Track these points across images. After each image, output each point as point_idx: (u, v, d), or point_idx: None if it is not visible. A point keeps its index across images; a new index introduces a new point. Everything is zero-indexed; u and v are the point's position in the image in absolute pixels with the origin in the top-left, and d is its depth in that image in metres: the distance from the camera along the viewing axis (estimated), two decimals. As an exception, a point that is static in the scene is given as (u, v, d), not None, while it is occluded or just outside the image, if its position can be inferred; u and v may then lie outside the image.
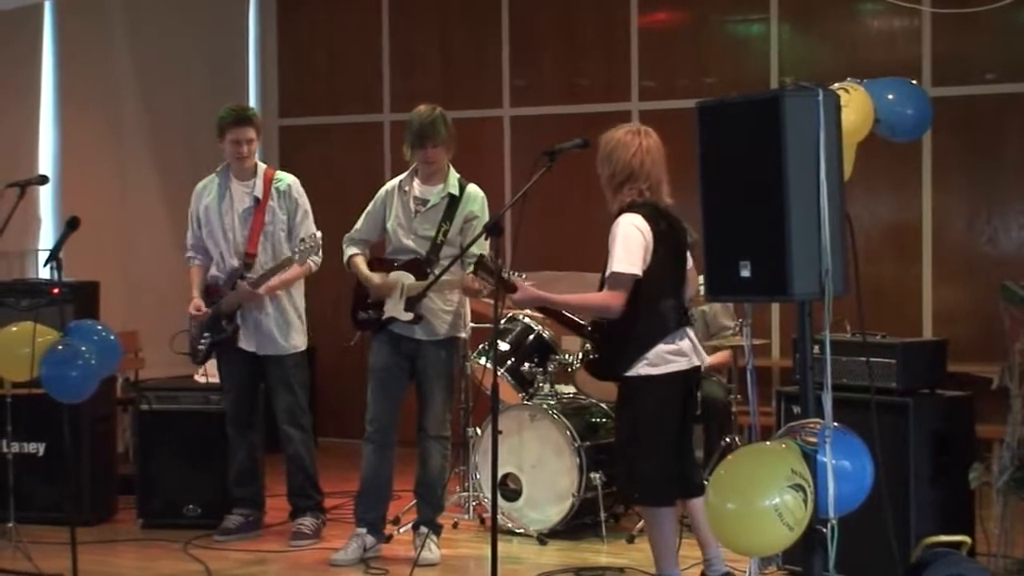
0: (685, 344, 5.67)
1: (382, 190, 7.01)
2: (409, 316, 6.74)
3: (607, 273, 5.58)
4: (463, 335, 7.04)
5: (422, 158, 6.79)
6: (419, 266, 6.79)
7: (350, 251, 6.99)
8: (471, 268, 6.50)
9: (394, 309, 6.80)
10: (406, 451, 7.04)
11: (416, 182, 6.88)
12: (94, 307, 7.80)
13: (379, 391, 6.90)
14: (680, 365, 5.63)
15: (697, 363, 5.74)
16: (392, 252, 6.94)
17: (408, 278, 6.77)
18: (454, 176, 6.87)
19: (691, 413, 5.86)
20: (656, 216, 5.64)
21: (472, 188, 6.89)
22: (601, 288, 5.65)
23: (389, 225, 6.90)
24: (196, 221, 7.46)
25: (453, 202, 6.81)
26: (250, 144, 7.24)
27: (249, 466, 7.46)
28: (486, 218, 6.82)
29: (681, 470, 5.73)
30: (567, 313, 6.14)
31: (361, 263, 6.95)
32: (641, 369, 5.60)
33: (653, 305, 5.60)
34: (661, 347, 5.59)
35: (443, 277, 6.53)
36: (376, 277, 6.85)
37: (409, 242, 6.84)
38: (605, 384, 7.40)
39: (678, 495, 5.82)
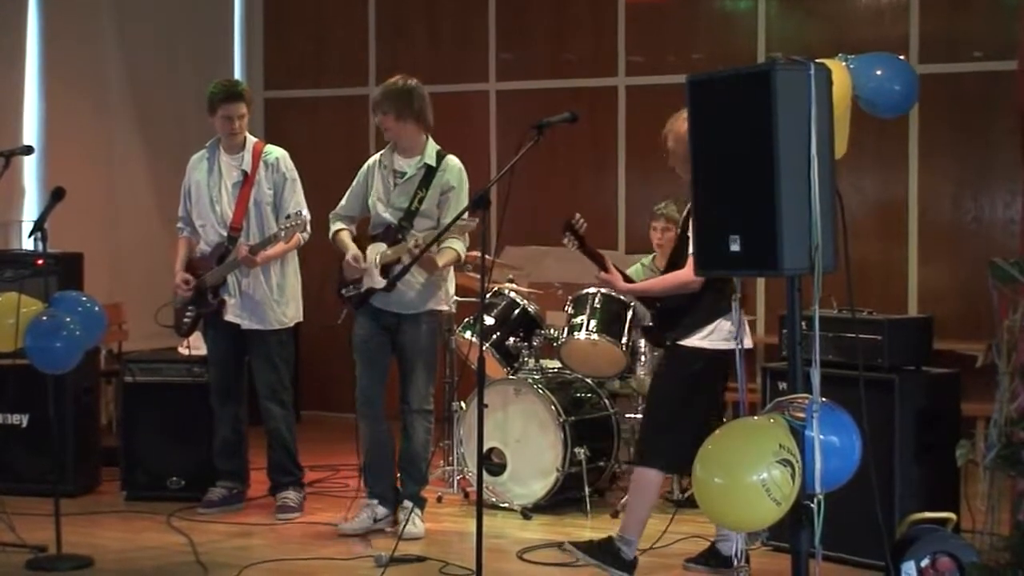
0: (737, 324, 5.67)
1: (364, 165, 7.00)
2: (383, 282, 6.71)
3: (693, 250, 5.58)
4: (444, 308, 7.02)
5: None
6: (392, 233, 6.78)
7: (336, 226, 6.98)
8: (449, 241, 6.55)
9: (371, 279, 6.79)
10: (390, 425, 7.01)
11: (395, 155, 6.88)
12: (78, 278, 7.75)
13: (364, 365, 6.89)
14: (731, 344, 5.60)
15: (747, 346, 5.71)
16: (372, 227, 6.93)
17: (382, 247, 6.77)
18: (432, 148, 6.85)
19: (722, 392, 6.09)
20: None
21: (450, 159, 6.86)
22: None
23: (370, 200, 6.89)
24: (187, 194, 7.44)
25: (429, 172, 6.79)
26: (241, 119, 7.23)
27: (233, 439, 7.45)
28: (463, 190, 6.82)
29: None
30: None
31: (346, 237, 6.93)
32: (695, 341, 5.76)
33: (718, 283, 5.71)
34: (721, 322, 5.74)
35: (392, 253, 6.62)
36: (354, 250, 6.83)
37: (387, 215, 6.82)
38: (590, 359, 7.46)
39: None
